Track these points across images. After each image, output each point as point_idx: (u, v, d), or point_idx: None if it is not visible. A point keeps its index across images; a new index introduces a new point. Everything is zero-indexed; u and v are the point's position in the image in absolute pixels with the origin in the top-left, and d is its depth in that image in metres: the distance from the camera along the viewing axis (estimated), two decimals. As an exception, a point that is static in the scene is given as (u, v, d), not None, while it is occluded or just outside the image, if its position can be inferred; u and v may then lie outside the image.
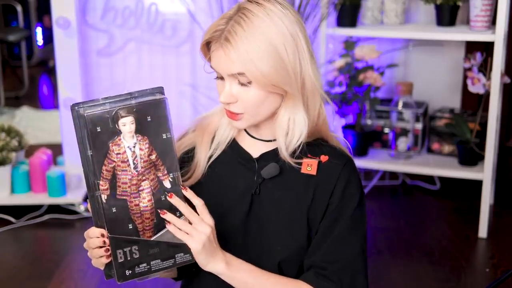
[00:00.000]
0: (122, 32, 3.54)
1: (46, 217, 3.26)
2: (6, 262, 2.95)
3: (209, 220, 1.28)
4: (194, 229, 1.26)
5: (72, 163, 3.32)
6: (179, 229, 1.26)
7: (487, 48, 3.26)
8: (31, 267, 2.85)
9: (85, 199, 3.31)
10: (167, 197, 1.27)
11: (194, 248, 1.26)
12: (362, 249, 1.37)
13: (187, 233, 1.26)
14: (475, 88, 3.08)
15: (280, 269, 1.38)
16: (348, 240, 1.36)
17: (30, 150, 3.47)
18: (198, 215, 1.28)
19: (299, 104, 1.33)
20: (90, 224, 1.30)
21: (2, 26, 6.12)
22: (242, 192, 1.40)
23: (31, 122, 4.69)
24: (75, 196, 3.30)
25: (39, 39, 6.23)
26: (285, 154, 1.35)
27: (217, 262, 1.29)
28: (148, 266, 1.28)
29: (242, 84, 1.30)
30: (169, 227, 1.27)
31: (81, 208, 3.29)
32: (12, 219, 3.23)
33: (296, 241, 1.37)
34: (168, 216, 1.26)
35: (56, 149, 3.58)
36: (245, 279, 1.32)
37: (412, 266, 2.84)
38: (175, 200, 1.27)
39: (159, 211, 1.27)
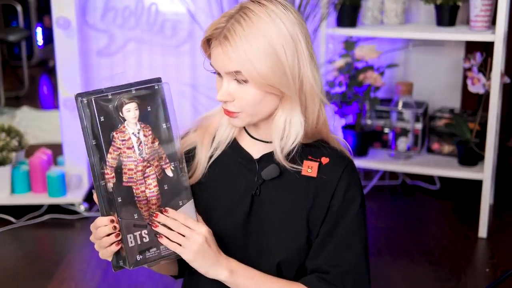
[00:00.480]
0: (122, 32, 3.54)
1: (46, 217, 3.26)
2: (6, 262, 2.95)
3: (201, 229, 1.28)
4: (185, 240, 1.27)
5: (72, 163, 3.32)
6: (172, 241, 1.28)
7: (487, 48, 3.26)
8: (31, 267, 2.85)
9: (85, 199, 3.31)
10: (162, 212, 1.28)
11: (187, 259, 1.28)
12: (364, 251, 1.38)
13: (180, 245, 1.27)
14: (475, 88, 3.08)
15: (279, 270, 1.37)
16: (350, 243, 1.36)
17: (30, 150, 3.47)
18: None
19: (296, 106, 1.32)
20: (90, 224, 1.30)
21: (2, 26, 6.12)
22: (243, 192, 1.40)
23: (31, 122, 4.68)
24: (75, 196, 3.30)
25: (39, 39, 6.23)
26: (280, 157, 1.35)
27: (220, 270, 1.30)
28: (158, 251, 1.29)
29: (239, 82, 1.30)
30: (161, 240, 1.28)
31: (81, 208, 3.29)
32: (12, 219, 3.23)
33: (295, 242, 1.37)
34: (160, 229, 1.28)
35: (56, 149, 3.58)
36: (248, 285, 1.33)
37: (412, 266, 2.84)
38: (162, 218, 1.27)
39: (150, 224, 1.27)
